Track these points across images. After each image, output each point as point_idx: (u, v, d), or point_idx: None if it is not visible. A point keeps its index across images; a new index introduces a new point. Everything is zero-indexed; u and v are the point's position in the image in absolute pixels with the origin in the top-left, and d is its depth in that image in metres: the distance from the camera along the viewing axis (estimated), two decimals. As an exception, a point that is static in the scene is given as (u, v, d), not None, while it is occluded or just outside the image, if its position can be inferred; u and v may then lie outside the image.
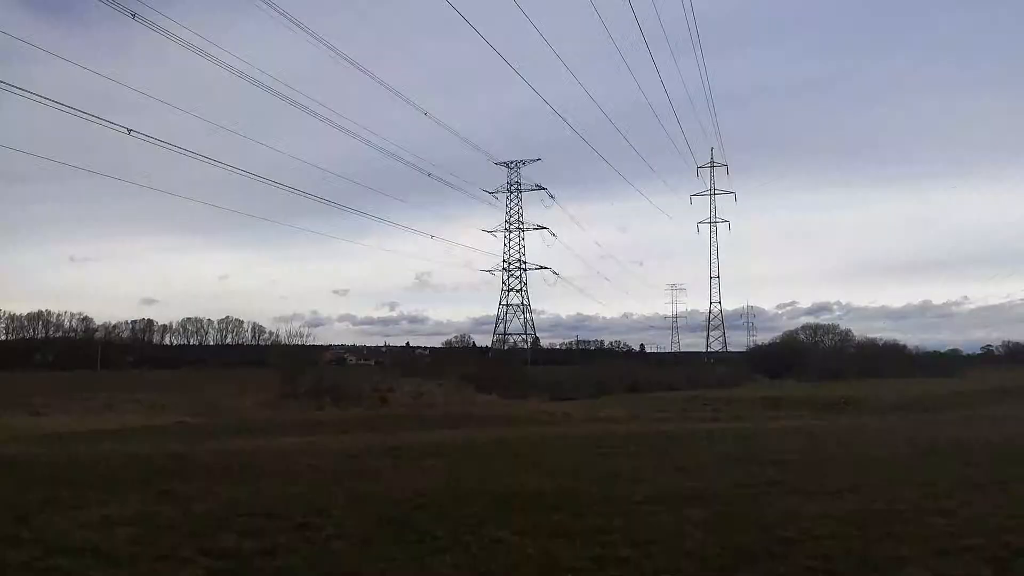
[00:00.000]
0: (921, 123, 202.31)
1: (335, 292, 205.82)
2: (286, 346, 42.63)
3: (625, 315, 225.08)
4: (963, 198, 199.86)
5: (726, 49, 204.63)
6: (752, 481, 8.51)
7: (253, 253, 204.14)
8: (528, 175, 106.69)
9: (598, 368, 70.79)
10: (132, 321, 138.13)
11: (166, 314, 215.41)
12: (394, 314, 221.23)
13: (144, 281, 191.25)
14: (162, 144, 33.91)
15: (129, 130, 33.44)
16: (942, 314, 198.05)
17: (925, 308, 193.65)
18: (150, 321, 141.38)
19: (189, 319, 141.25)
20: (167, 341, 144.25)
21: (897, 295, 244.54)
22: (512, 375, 52.24)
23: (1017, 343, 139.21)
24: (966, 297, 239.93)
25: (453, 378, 47.09)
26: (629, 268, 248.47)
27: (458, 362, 66.05)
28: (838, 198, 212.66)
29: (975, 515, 6.71)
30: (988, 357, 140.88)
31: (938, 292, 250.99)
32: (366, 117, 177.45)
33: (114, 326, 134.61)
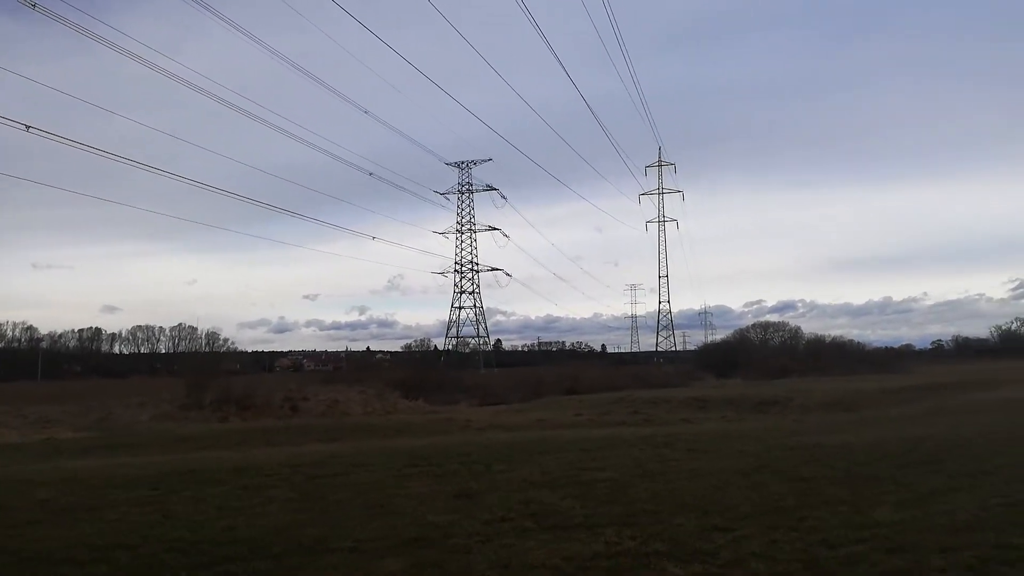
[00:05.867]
0: (888, 121, 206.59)
1: (305, 297, 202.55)
2: (195, 353, 40.35)
3: (595, 315, 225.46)
4: (928, 196, 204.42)
5: (686, 49, 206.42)
6: (518, 513, 7.15)
7: (223, 258, 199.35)
8: (483, 176, 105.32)
9: (539, 370, 69.46)
10: (79, 330, 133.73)
11: (128, 322, 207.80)
12: (363, 318, 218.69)
13: (107, 288, 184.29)
14: (67, 143, 32.00)
15: (27, 127, 31.54)
16: (901, 310, 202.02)
17: (886, 304, 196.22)
18: (98, 329, 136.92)
19: (139, 327, 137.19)
20: (116, 350, 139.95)
21: (860, 292, 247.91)
22: (441, 380, 50.57)
23: (965, 338, 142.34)
24: (926, 293, 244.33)
25: (377, 384, 45.20)
26: (603, 268, 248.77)
27: (411, 366, 64.52)
28: (807, 197, 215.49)
29: (733, 558, 5.46)
30: (938, 352, 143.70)
31: (899, 288, 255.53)
32: (318, 124, 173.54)
33: (60, 335, 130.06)
